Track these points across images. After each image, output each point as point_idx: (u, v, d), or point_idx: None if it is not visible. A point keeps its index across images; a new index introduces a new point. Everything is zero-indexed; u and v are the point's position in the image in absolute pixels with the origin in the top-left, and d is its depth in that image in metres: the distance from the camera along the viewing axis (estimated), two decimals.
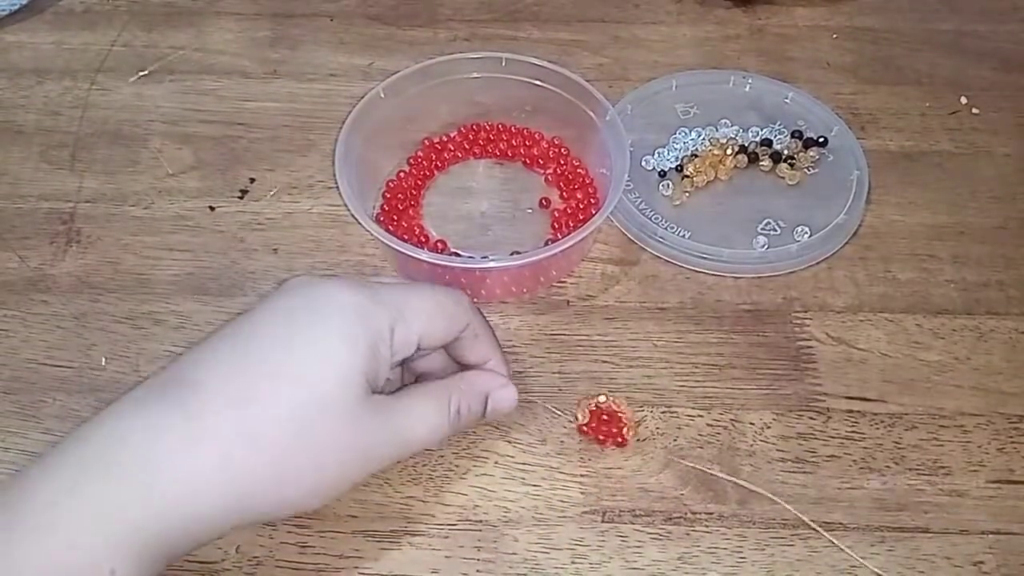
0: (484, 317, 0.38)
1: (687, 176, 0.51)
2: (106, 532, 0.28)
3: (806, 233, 0.49)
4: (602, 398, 0.42)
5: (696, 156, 0.52)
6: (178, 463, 0.29)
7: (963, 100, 0.56)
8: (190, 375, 0.31)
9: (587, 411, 0.41)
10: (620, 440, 0.41)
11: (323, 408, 0.31)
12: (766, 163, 0.51)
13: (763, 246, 0.48)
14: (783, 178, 0.51)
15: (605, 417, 0.41)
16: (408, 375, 0.39)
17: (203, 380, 0.30)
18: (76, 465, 0.29)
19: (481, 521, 0.39)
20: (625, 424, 0.41)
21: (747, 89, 0.55)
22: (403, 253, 0.43)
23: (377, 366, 0.32)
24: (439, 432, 0.35)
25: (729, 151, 0.51)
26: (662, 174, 0.51)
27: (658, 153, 0.52)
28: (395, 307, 0.33)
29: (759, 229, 0.49)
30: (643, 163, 0.52)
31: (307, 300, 0.32)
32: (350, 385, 0.31)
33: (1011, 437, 0.42)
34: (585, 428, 0.41)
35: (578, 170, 0.51)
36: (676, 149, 0.52)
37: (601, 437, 0.41)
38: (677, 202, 0.50)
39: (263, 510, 0.31)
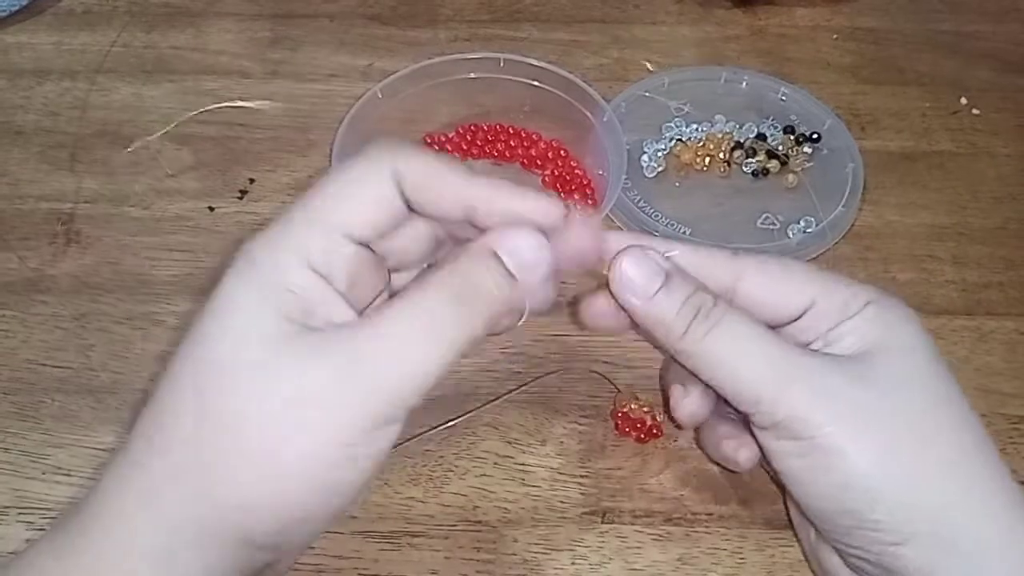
0: (440, 156, 0.29)
1: (675, 156, 0.52)
2: None
3: (806, 227, 0.49)
4: (633, 405, 0.41)
5: (685, 142, 0.52)
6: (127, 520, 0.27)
7: (963, 100, 0.56)
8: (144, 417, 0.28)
9: (621, 413, 0.41)
10: (656, 432, 0.41)
11: (230, 379, 0.26)
12: (761, 158, 0.52)
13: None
14: (777, 175, 0.51)
15: (635, 421, 0.41)
16: None
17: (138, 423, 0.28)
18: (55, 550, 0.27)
19: (480, 522, 0.39)
20: (652, 419, 0.41)
21: (742, 86, 0.55)
22: None
23: (293, 298, 0.26)
24: (444, 329, 0.26)
25: (724, 145, 0.52)
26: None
27: (652, 148, 0.52)
28: (288, 222, 0.27)
29: (759, 224, 0.49)
30: (641, 162, 0.52)
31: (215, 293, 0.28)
32: (259, 338, 0.26)
33: (1011, 438, 0.42)
34: (628, 430, 0.41)
35: (576, 171, 0.51)
36: (670, 145, 0.53)
37: (643, 436, 0.41)
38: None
39: (257, 533, 0.27)
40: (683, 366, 0.33)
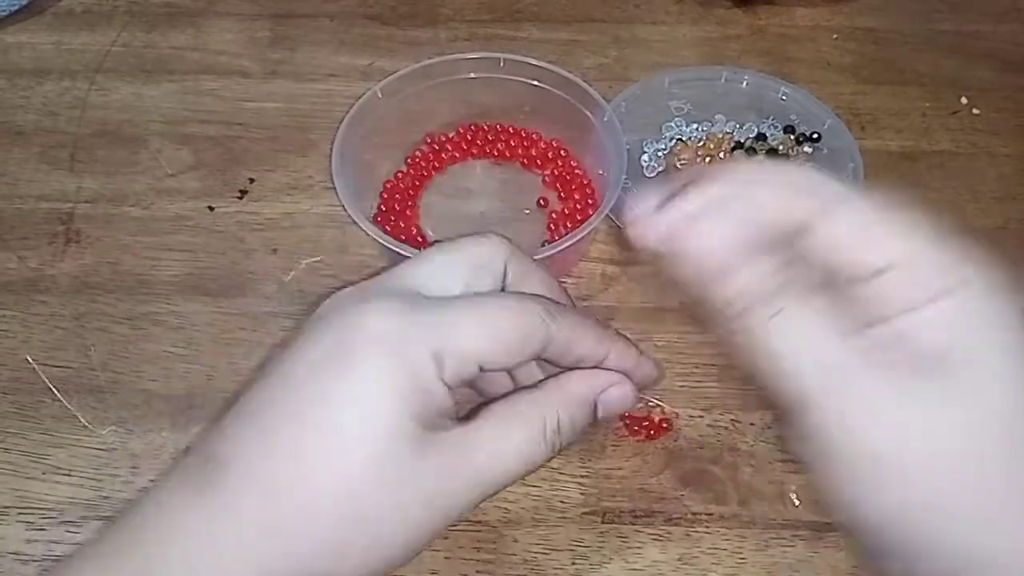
0: (575, 313, 0.31)
1: (675, 155, 0.52)
2: None
3: None
4: (639, 405, 0.41)
5: (685, 142, 0.52)
6: (196, 551, 0.27)
7: (964, 100, 0.56)
8: (218, 450, 0.28)
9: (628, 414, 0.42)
10: (666, 427, 0.41)
11: (361, 476, 0.26)
12: (762, 158, 0.51)
13: None
14: None
15: (642, 420, 0.42)
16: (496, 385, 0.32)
17: (226, 459, 0.27)
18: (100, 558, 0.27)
19: (481, 521, 0.39)
20: (661, 414, 0.42)
21: (742, 85, 0.55)
22: (400, 254, 0.43)
23: (427, 401, 0.27)
24: (535, 459, 0.29)
25: (724, 145, 0.52)
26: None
27: (652, 148, 0.52)
28: (439, 331, 0.28)
29: None
30: (641, 162, 0.52)
31: (334, 341, 0.28)
32: (393, 438, 0.27)
33: None
34: (636, 430, 0.42)
35: (576, 171, 0.51)
36: (671, 144, 0.53)
37: (653, 433, 0.41)
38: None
39: None
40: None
